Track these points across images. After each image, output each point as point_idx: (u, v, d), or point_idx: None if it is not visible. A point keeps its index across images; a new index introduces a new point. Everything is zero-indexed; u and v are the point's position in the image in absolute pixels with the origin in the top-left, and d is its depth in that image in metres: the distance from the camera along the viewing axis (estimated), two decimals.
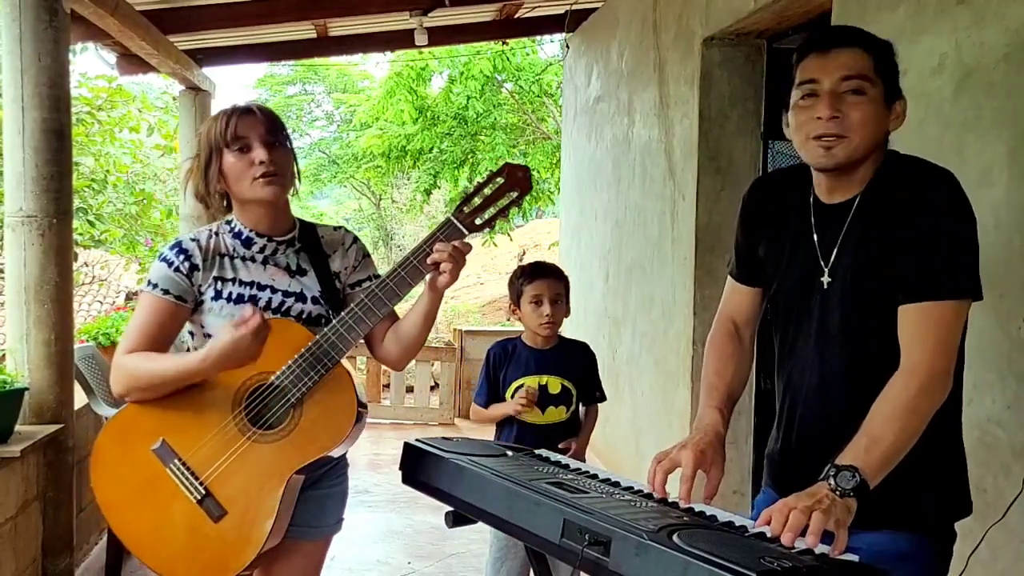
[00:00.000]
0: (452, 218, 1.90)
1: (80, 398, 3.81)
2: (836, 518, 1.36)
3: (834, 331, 1.62)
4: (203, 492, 1.87)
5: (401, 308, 2.02)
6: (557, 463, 1.82)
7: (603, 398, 2.94)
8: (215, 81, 6.42)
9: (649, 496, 1.58)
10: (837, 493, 1.40)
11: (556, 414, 2.78)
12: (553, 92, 11.87)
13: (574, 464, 1.82)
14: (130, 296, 10.64)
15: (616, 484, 1.67)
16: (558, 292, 2.81)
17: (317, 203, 22.73)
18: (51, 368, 3.40)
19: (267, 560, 1.99)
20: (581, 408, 2.91)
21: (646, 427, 4.97)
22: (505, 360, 2.85)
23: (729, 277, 1.88)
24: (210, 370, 1.84)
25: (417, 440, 1.84)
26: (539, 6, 6.42)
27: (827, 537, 1.36)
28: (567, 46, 7.44)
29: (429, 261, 1.88)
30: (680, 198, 4.36)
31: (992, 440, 2.18)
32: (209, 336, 1.94)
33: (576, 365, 2.86)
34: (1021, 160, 2.12)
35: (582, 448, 2.77)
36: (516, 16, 6.62)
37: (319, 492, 2.03)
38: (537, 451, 1.95)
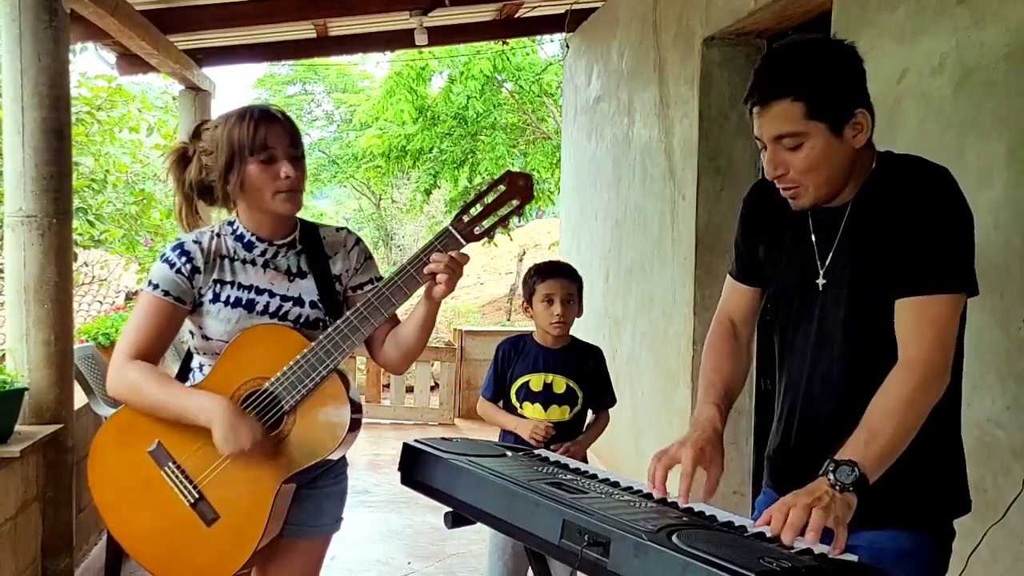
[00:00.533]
0: (450, 228, 1.89)
1: (80, 398, 3.81)
2: (836, 515, 1.37)
3: (832, 332, 1.63)
4: (197, 495, 1.88)
5: (402, 311, 2.01)
6: (556, 463, 1.82)
7: (613, 402, 2.93)
8: (215, 81, 6.43)
9: (648, 496, 1.58)
10: (837, 488, 1.40)
11: (559, 413, 2.78)
12: (553, 92, 11.87)
13: (573, 464, 1.82)
14: (130, 296, 10.64)
15: (615, 484, 1.67)
16: (570, 292, 2.82)
17: (317, 203, 22.74)
18: (51, 368, 3.40)
19: (265, 559, 2.00)
20: (590, 413, 2.90)
21: (646, 427, 4.97)
22: (514, 356, 2.85)
23: (728, 276, 1.89)
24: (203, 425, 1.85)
25: (416, 441, 1.84)
26: (539, 6, 6.42)
27: (827, 535, 1.36)
28: (567, 46, 7.44)
29: (426, 271, 1.87)
30: (680, 198, 4.36)
31: (992, 440, 2.18)
32: (208, 339, 1.95)
33: (584, 367, 2.85)
34: (1021, 160, 2.11)
35: (579, 450, 2.75)
36: (516, 16, 6.61)
37: (316, 491, 2.02)
38: (537, 451, 1.95)
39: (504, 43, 9.95)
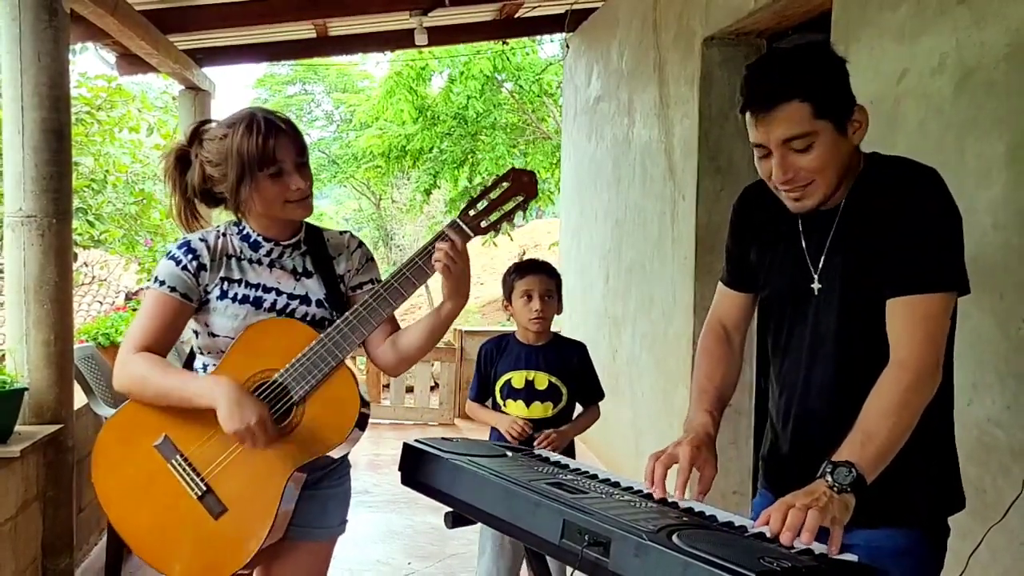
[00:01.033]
0: (458, 220, 1.92)
1: (80, 398, 3.81)
2: (832, 516, 1.38)
3: (826, 334, 1.65)
4: (204, 488, 1.87)
5: (404, 314, 2.02)
6: (557, 463, 1.82)
7: (601, 396, 2.96)
8: (215, 81, 6.43)
9: (649, 496, 1.59)
10: (835, 489, 1.42)
11: (541, 410, 2.81)
12: (553, 92, 11.87)
13: (574, 464, 1.82)
14: (129, 296, 10.62)
15: (616, 484, 1.67)
16: (549, 288, 2.85)
17: (317, 203, 22.49)
18: (51, 368, 3.40)
19: (270, 560, 1.99)
20: (578, 408, 2.93)
21: (646, 427, 4.97)
22: (497, 355, 2.90)
23: (720, 282, 1.91)
24: (207, 409, 1.84)
25: (416, 441, 1.85)
26: (539, 6, 6.42)
27: (826, 535, 1.37)
28: (567, 46, 7.44)
29: (432, 260, 1.90)
30: (680, 198, 4.36)
31: (991, 440, 2.18)
32: (214, 336, 1.95)
33: (568, 363, 2.88)
34: (1021, 160, 2.11)
35: (563, 438, 2.76)
36: (516, 16, 6.62)
37: (321, 492, 2.02)
38: (537, 451, 1.95)
39: (504, 43, 9.95)
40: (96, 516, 4.10)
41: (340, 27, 6.27)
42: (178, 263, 1.94)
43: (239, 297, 1.95)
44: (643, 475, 1.63)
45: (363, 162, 15.05)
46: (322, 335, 1.89)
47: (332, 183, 18.19)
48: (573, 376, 2.87)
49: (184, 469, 1.88)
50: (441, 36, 6.80)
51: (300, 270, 2.01)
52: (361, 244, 2.10)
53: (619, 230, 5.66)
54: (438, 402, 7.81)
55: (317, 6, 5.53)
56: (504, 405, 2.84)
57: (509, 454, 1.87)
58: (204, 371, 2.01)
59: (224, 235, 1.99)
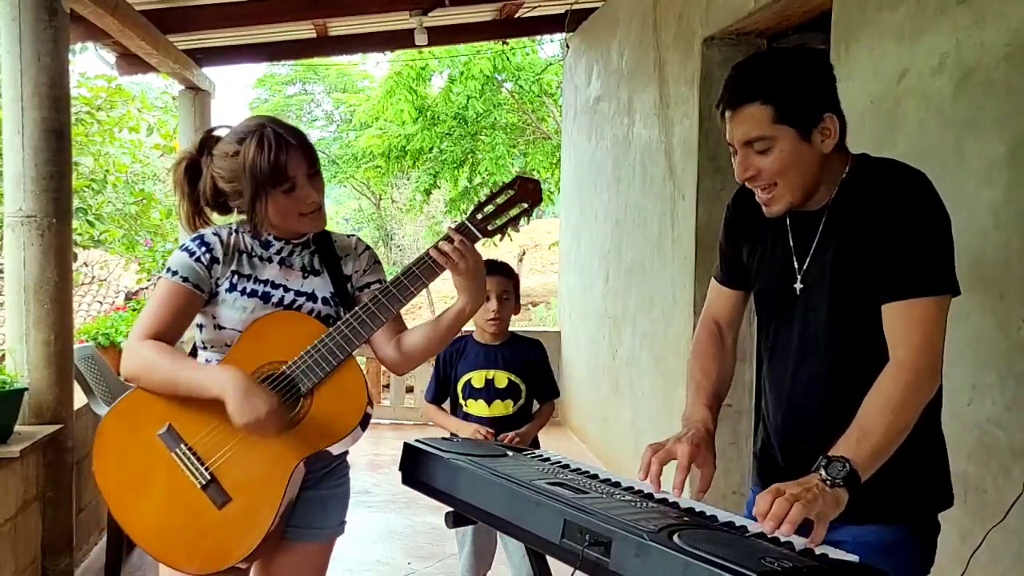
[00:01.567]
0: (467, 222, 1.95)
1: (80, 398, 3.81)
2: (819, 510, 1.38)
3: (815, 334, 1.66)
4: (208, 478, 1.87)
5: (408, 315, 2.03)
6: (558, 463, 1.82)
7: (556, 394, 3.04)
8: (215, 81, 6.43)
9: (649, 496, 1.59)
10: (827, 483, 1.42)
11: (502, 408, 2.88)
12: (553, 92, 11.86)
13: (574, 464, 1.83)
14: (129, 296, 10.62)
15: (616, 484, 1.67)
16: (506, 289, 2.90)
17: None
18: (51, 368, 3.40)
19: (269, 560, 2.00)
20: (536, 405, 3.00)
21: (646, 427, 4.97)
22: (456, 356, 2.96)
23: (713, 280, 1.93)
24: (215, 397, 1.84)
25: (417, 440, 1.85)
26: (539, 6, 6.42)
27: (809, 529, 1.37)
28: (567, 46, 7.44)
29: (440, 256, 1.92)
30: (680, 198, 4.36)
31: (992, 441, 2.18)
32: (221, 328, 1.95)
33: (525, 361, 2.94)
34: (1021, 160, 2.11)
35: (525, 439, 2.81)
36: (516, 16, 6.62)
37: (320, 493, 2.03)
38: (537, 451, 1.95)
39: (504, 43, 9.95)
40: (96, 516, 4.09)
41: (340, 27, 6.27)
42: (192, 255, 1.96)
43: (248, 291, 1.97)
44: (639, 465, 1.64)
45: (363, 162, 15.05)
46: (332, 329, 1.90)
47: (332, 183, 18.17)
48: (530, 373, 2.94)
49: (188, 458, 1.88)
50: (441, 36, 6.80)
51: (308, 268, 2.03)
52: (368, 247, 2.13)
53: (619, 230, 5.66)
54: None
55: (317, 6, 5.53)
56: (466, 405, 2.91)
57: (510, 454, 1.87)
58: None
59: (237, 232, 2.02)
